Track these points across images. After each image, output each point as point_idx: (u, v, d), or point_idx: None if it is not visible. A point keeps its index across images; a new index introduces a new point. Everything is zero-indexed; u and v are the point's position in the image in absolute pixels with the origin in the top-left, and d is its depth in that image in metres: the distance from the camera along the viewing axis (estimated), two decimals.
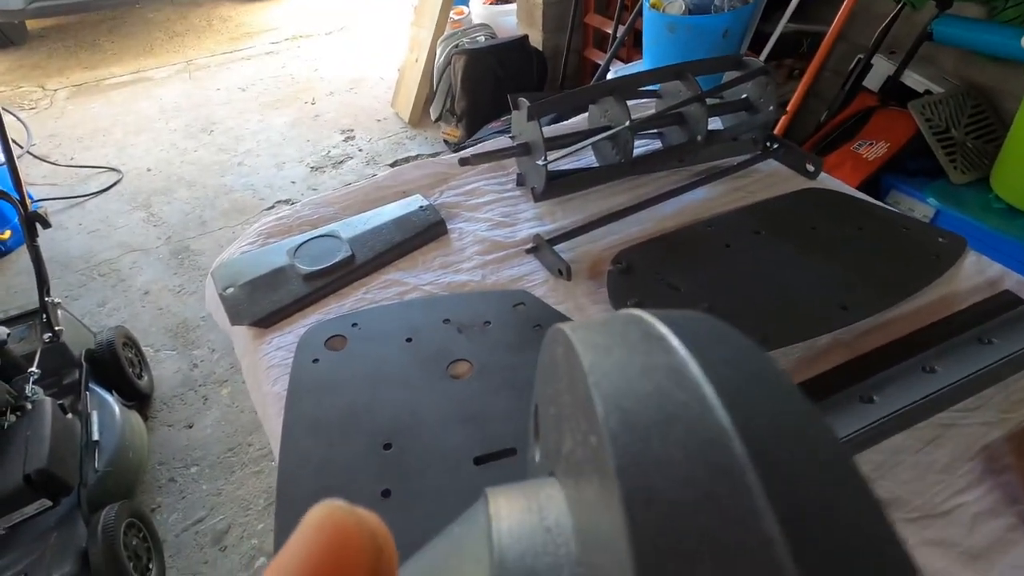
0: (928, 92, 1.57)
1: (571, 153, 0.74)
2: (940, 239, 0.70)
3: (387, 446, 0.50)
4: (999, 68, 1.48)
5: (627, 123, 0.72)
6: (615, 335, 0.09)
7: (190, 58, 3.15)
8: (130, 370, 1.37)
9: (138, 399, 1.40)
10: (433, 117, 2.44)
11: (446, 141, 2.33)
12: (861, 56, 1.64)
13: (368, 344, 0.60)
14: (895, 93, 1.62)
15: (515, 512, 0.09)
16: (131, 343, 1.44)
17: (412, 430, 0.51)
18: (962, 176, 1.46)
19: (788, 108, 1.66)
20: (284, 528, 0.45)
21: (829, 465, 0.07)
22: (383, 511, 0.39)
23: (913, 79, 1.60)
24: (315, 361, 0.58)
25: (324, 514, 0.10)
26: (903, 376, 0.53)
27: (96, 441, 1.15)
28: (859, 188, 1.53)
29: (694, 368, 0.08)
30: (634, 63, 2.00)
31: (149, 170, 2.29)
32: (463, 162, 0.76)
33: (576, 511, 0.09)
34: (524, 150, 0.75)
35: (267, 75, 3.02)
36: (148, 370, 1.49)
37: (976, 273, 0.67)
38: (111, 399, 1.25)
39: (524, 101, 0.72)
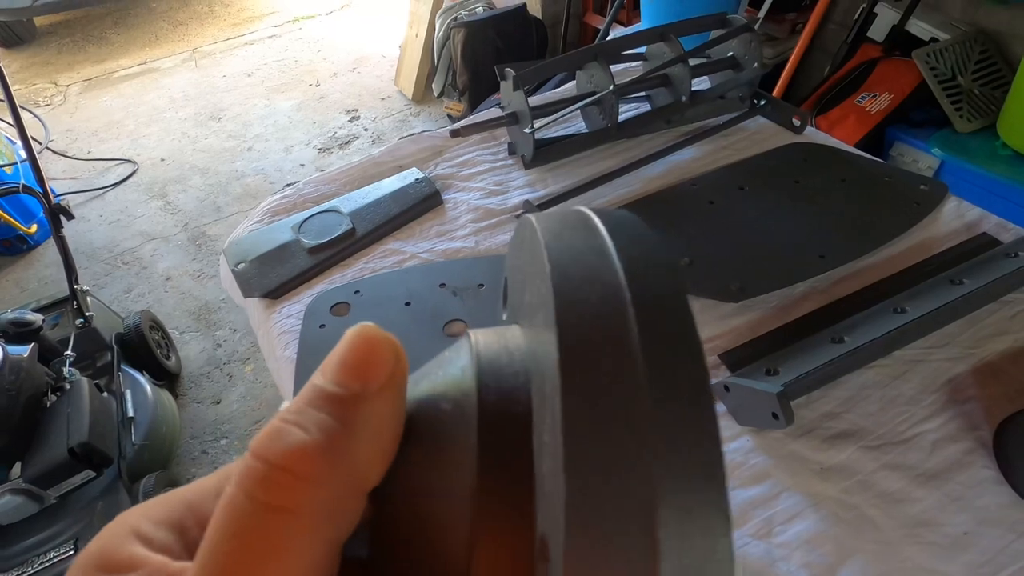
0: (934, 40, 1.53)
1: (557, 120, 0.76)
2: (922, 186, 0.72)
3: None
4: (1008, 11, 1.44)
5: (611, 87, 0.74)
6: (565, 223, 0.13)
7: (195, 46, 3.18)
8: (158, 351, 1.44)
9: (167, 378, 1.48)
10: (436, 92, 2.45)
11: (449, 116, 2.35)
12: (864, 5, 1.61)
13: (370, 309, 0.64)
14: (900, 43, 1.59)
15: (489, 339, 0.14)
16: (157, 326, 1.52)
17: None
18: (968, 125, 1.44)
19: (788, 63, 1.64)
20: None
21: (667, 298, 0.11)
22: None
23: (919, 27, 1.56)
24: (322, 327, 0.62)
25: (359, 327, 0.12)
26: (874, 317, 0.56)
27: (131, 417, 1.23)
28: (862, 141, 1.53)
29: (609, 245, 0.12)
30: (635, 26, 1.98)
31: (163, 160, 2.35)
32: (454, 134, 0.78)
33: (528, 336, 0.13)
34: (512, 119, 0.78)
35: (271, 59, 3.04)
36: (175, 351, 1.57)
37: (955, 218, 0.68)
38: (142, 379, 1.33)
39: (509, 71, 0.74)
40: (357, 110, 2.57)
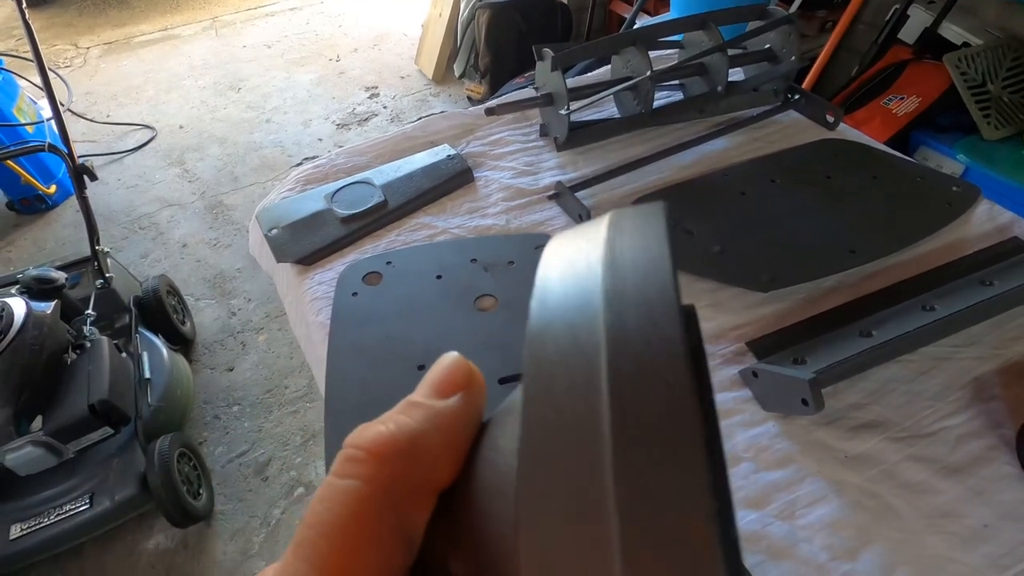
0: (966, 44, 1.52)
1: (593, 103, 0.76)
2: (954, 188, 0.72)
3: (421, 367, 0.55)
4: None
5: (647, 73, 0.74)
6: (576, 235, 0.12)
7: (216, 15, 3.17)
8: (174, 316, 1.46)
9: (182, 343, 1.50)
10: (457, 73, 2.44)
11: (469, 98, 2.34)
12: (897, 7, 1.59)
13: (402, 280, 0.65)
14: (931, 46, 1.57)
15: None
16: (174, 291, 1.53)
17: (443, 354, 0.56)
18: (995, 132, 1.43)
19: (817, 61, 1.63)
20: (333, 438, 0.51)
21: (659, 328, 0.10)
22: None
23: (951, 31, 1.55)
24: (354, 295, 0.63)
25: (446, 356, 0.15)
26: (903, 314, 0.57)
27: (148, 379, 1.24)
28: (887, 144, 1.51)
29: (597, 264, 0.11)
30: (661, 16, 1.96)
31: (181, 127, 2.35)
32: (489, 112, 0.79)
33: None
34: (548, 100, 0.78)
35: (292, 32, 3.03)
36: (190, 317, 1.58)
37: (987, 220, 0.68)
38: (159, 342, 1.35)
39: (548, 51, 0.74)
40: (377, 87, 2.56)
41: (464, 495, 0.13)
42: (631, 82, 0.75)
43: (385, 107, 2.41)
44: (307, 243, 0.70)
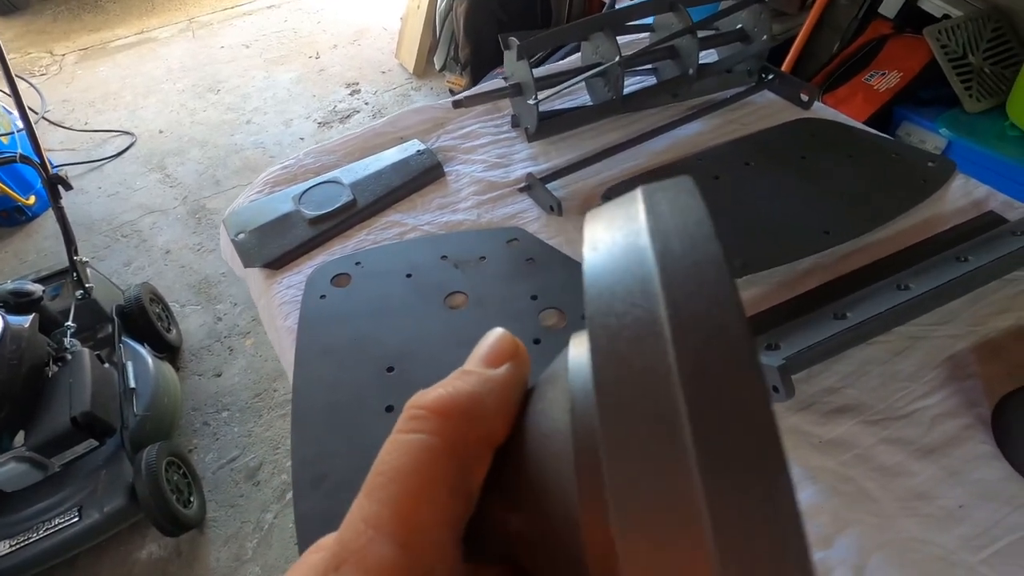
0: (946, 16, 1.50)
1: (561, 91, 0.75)
2: (930, 163, 0.71)
3: (390, 369, 0.55)
4: None
5: (616, 59, 0.73)
6: (613, 224, 0.13)
7: (192, 16, 3.12)
8: (159, 324, 1.45)
9: (169, 351, 1.49)
10: (437, 66, 2.41)
11: (451, 90, 2.31)
12: None
13: (371, 280, 0.64)
14: (912, 19, 1.56)
15: (579, 349, 0.14)
16: (157, 299, 1.51)
17: (413, 354, 0.56)
18: (977, 104, 1.42)
19: (797, 39, 1.61)
20: (300, 441, 0.50)
21: (712, 284, 0.10)
22: (387, 424, 0.44)
23: (931, 3, 1.53)
24: (322, 297, 0.62)
25: (493, 332, 0.17)
26: (878, 294, 0.56)
27: (133, 388, 1.23)
28: (870, 120, 1.51)
29: (651, 259, 0.11)
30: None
31: (161, 132, 2.32)
32: (457, 104, 0.77)
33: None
34: (516, 90, 0.76)
35: (270, 30, 2.99)
36: (176, 324, 1.57)
37: (962, 195, 0.68)
38: (143, 350, 1.33)
39: (514, 40, 0.73)
40: (358, 83, 2.53)
41: (516, 451, 0.14)
42: (600, 68, 0.74)
43: (367, 103, 2.39)
44: (275, 246, 0.68)
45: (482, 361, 0.16)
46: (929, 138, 1.47)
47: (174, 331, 1.54)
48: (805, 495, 0.45)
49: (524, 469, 0.14)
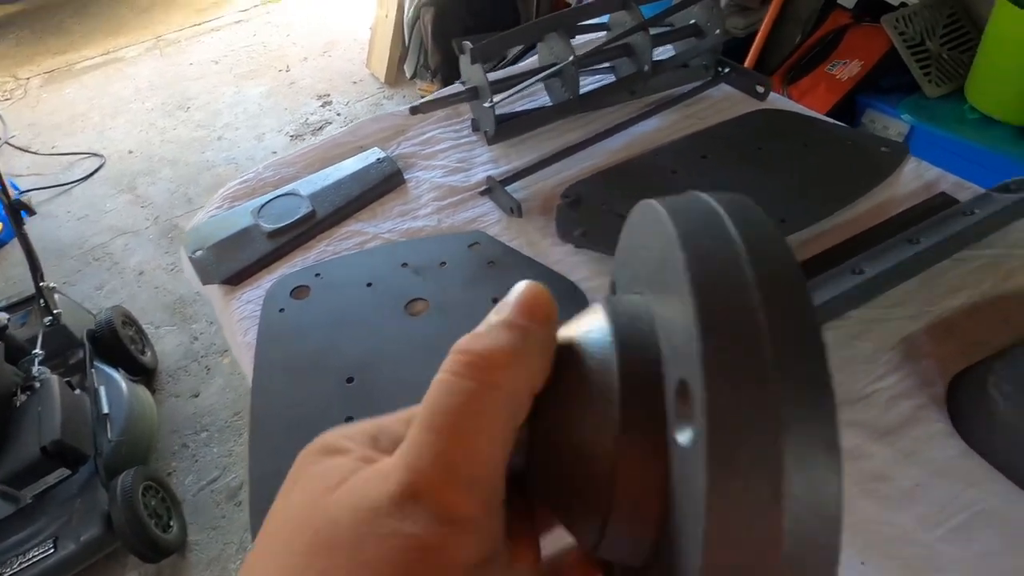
0: (903, 4, 1.53)
1: (518, 94, 0.75)
2: (883, 148, 0.72)
3: (350, 379, 0.54)
4: None
5: (570, 58, 0.73)
6: (688, 207, 0.16)
7: (159, 34, 3.09)
8: (132, 347, 1.42)
9: (144, 374, 1.47)
10: (408, 74, 2.41)
11: (423, 98, 2.31)
12: None
13: (331, 292, 0.63)
14: (870, 8, 1.58)
15: (615, 302, 0.17)
16: (130, 321, 1.49)
17: (373, 364, 0.55)
18: (937, 89, 1.44)
19: (759, 32, 1.63)
20: (258, 457, 0.49)
21: (773, 260, 0.14)
22: None
23: None
24: (281, 311, 0.62)
25: (525, 283, 0.18)
26: (832, 280, 0.56)
27: (106, 414, 1.21)
28: (834, 109, 1.53)
29: (728, 223, 0.14)
30: None
31: (131, 152, 2.29)
32: (414, 111, 0.77)
33: (653, 300, 0.16)
34: (473, 94, 0.76)
35: (238, 45, 2.97)
36: (150, 346, 1.55)
37: (915, 178, 0.68)
38: (117, 375, 1.31)
39: (467, 44, 0.73)
40: (329, 95, 2.52)
41: (554, 398, 0.16)
42: (554, 68, 0.74)
43: (339, 114, 2.38)
44: (233, 262, 0.68)
45: (523, 314, 0.17)
46: (892, 124, 1.49)
47: (149, 353, 1.52)
48: None
49: (561, 410, 0.16)
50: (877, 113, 1.52)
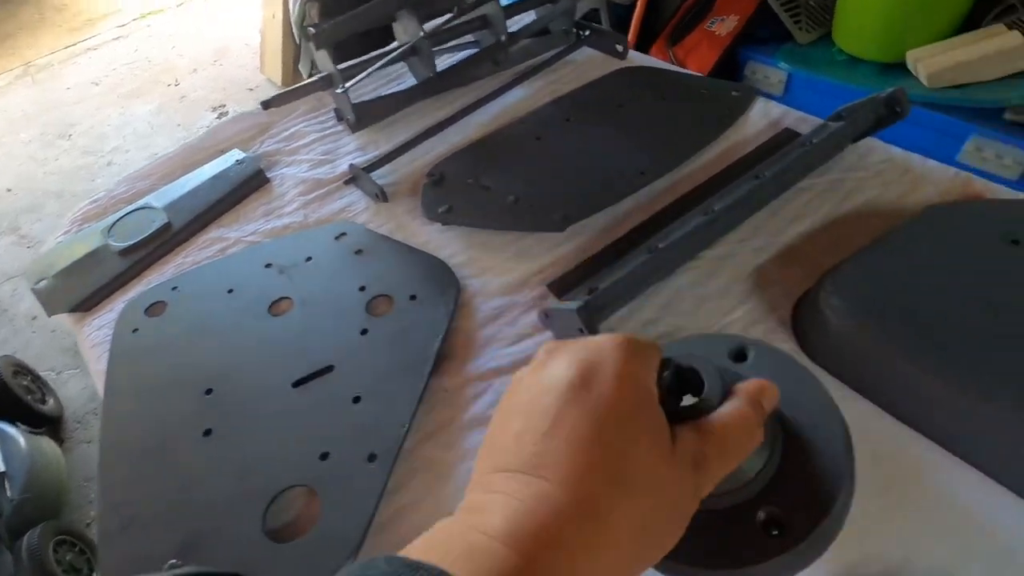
0: None
1: (367, 76, 0.73)
2: (733, 92, 0.74)
3: (209, 391, 0.51)
4: None
5: (420, 34, 0.72)
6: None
7: (28, 60, 2.86)
8: (28, 397, 1.32)
9: (48, 424, 1.37)
10: (304, 75, 2.32)
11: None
12: None
13: (189, 304, 0.60)
14: None
15: None
16: (23, 370, 1.38)
17: (234, 372, 0.53)
18: (807, 35, 1.51)
19: None
20: (108, 486, 0.46)
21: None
22: (205, 448, 0.41)
23: None
24: (135, 331, 0.58)
25: (767, 387, 0.29)
26: (685, 223, 0.58)
27: (2, 472, 1.12)
28: (718, 65, 1.58)
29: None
30: None
31: (9, 190, 2.12)
32: (266, 105, 0.74)
33: None
34: (327, 82, 0.74)
35: (120, 63, 2.79)
36: (52, 393, 1.44)
37: (762, 117, 0.71)
38: (12, 430, 1.22)
39: (310, 29, 0.70)
40: (224, 105, 2.40)
41: None
42: (405, 46, 0.72)
43: None
44: (81, 287, 0.63)
45: (768, 403, 0.28)
46: (772, 73, 1.55)
47: (51, 401, 1.41)
48: None
49: None
50: (758, 64, 1.58)
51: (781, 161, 0.60)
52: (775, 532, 0.29)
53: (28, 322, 1.64)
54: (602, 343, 0.26)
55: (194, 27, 2.94)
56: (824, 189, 0.61)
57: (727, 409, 0.26)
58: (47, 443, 1.28)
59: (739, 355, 0.35)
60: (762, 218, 0.60)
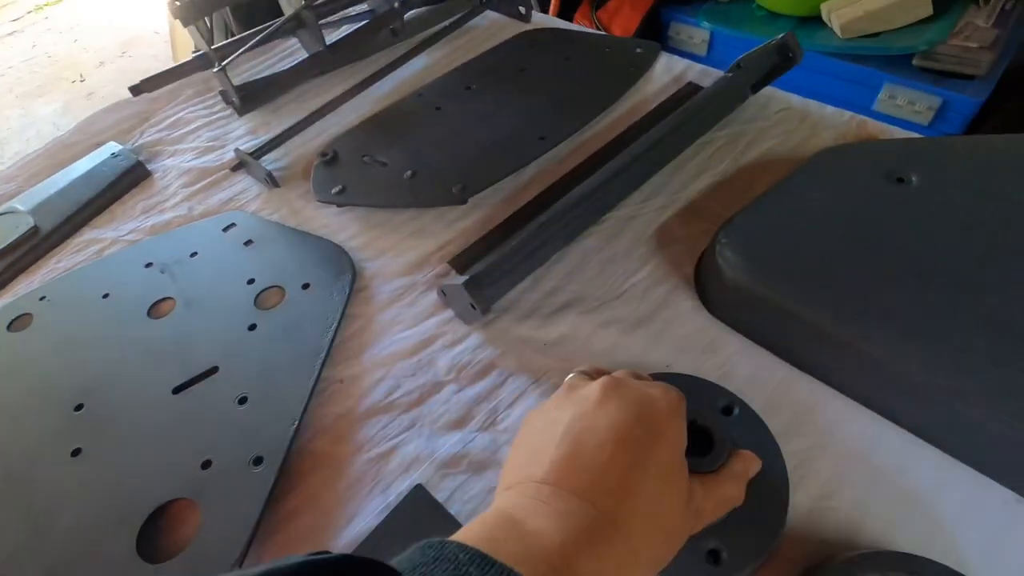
0: None
1: (245, 52, 0.67)
2: (638, 49, 0.73)
3: (79, 407, 0.47)
4: None
5: (302, 4, 0.67)
6: None
7: None
8: None
9: None
10: None
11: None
12: None
13: (58, 314, 0.55)
14: None
15: None
16: None
17: (108, 383, 0.48)
18: None
19: None
20: None
21: None
22: (73, 470, 0.36)
23: None
24: None
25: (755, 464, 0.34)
26: (585, 187, 0.56)
27: None
28: (641, 27, 1.56)
29: None
30: None
31: None
32: (135, 91, 0.68)
33: None
34: (205, 62, 0.68)
35: (16, 60, 2.57)
36: None
37: (665, 73, 0.70)
38: None
39: (175, 4, 0.64)
40: None
41: None
42: (284, 19, 0.67)
43: None
44: None
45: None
46: (695, 33, 1.55)
47: None
48: (529, 401, 0.45)
49: None
50: (681, 24, 1.57)
51: (681, 116, 0.59)
52: (716, 563, 0.33)
53: None
54: (659, 398, 0.30)
55: (95, 18, 2.73)
56: (725, 142, 0.60)
57: (729, 475, 0.32)
58: None
59: (727, 410, 0.40)
60: (665, 176, 0.59)
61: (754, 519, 0.34)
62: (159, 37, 2.53)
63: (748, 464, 0.33)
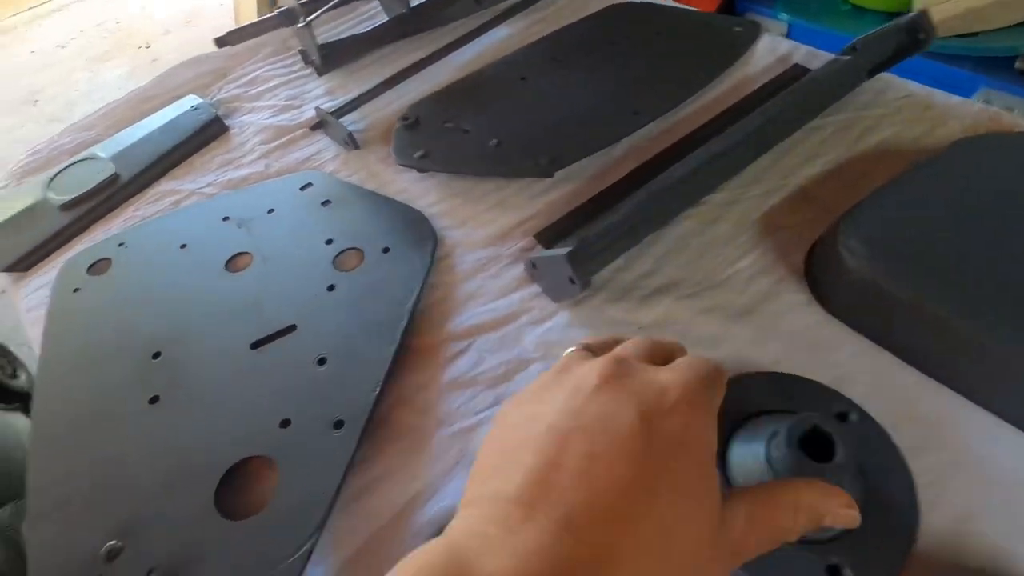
0: None
1: (333, 8, 0.65)
2: (737, 28, 0.68)
3: (157, 355, 0.46)
4: None
5: None
6: None
7: None
8: None
9: (20, 399, 1.31)
10: None
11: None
12: None
13: (137, 260, 0.54)
14: None
15: None
16: None
17: (185, 334, 0.47)
18: None
19: None
20: (41, 465, 0.42)
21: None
22: (150, 417, 0.35)
23: None
24: (76, 291, 0.52)
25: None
26: (687, 166, 0.52)
27: None
28: (718, 12, 1.50)
29: None
30: None
31: None
32: (220, 42, 0.67)
33: None
34: (289, 18, 0.67)
35: (87, 25, 2.65)
36: (23, 367, 1.38)
37: (768, 53, 0.65)
38: None
39: None
40: None
41: None
42: None
43: None
44: (17, 245, 0.57)
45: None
46: (772, 25, 1.48)
47: (23, 375, 1.35)
48: None
49: None
50: (757, 15, 1.51)
51: (789, 99, 0.55)
52: None
53: None
54: (675, 387, 0.22)
55: None
56: (837, 128, 0.56)
57: (791, 505, 0.23)
58: (16, 419, 1.22)
59: (841, 416, 0.36)
60: (770, 160, 0.54)
61: (881, 536, 0.31)
62: (222, 8, 2.57)
63: (825, 499, 0.24)
